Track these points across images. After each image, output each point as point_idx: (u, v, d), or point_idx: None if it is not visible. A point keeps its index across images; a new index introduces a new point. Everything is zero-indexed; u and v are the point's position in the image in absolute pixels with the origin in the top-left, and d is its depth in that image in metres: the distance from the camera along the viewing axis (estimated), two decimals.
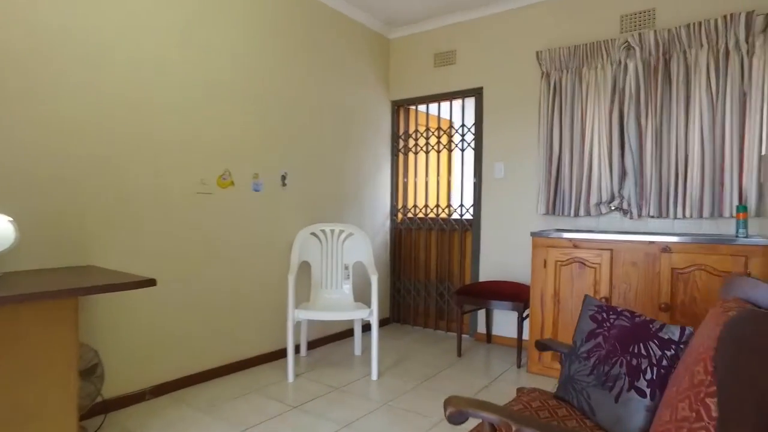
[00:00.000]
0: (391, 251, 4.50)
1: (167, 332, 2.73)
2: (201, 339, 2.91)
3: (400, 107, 4.49)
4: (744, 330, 0.99)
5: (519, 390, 1.92)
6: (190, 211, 2.82)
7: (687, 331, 1.51)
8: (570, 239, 3.01)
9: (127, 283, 1.89)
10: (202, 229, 2.88)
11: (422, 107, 4.53)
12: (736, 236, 2.69)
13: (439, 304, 4.25)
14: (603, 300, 2.89)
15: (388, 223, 4.47)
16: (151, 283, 1.95)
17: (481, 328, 3.97)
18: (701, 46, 2.97)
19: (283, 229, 3.43)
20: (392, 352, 3.63)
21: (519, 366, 3.29)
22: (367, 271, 3.66)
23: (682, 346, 1.50)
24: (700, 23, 2.97)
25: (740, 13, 2.85)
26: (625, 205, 3.22)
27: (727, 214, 2.87)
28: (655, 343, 1.54)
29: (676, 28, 3.04)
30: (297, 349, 3.54)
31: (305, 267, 3.55)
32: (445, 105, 4.35)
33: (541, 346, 1.99)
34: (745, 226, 2.70)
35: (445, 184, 4.29)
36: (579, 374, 1.70)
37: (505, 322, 3.84)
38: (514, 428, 1.20)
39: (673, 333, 1.52)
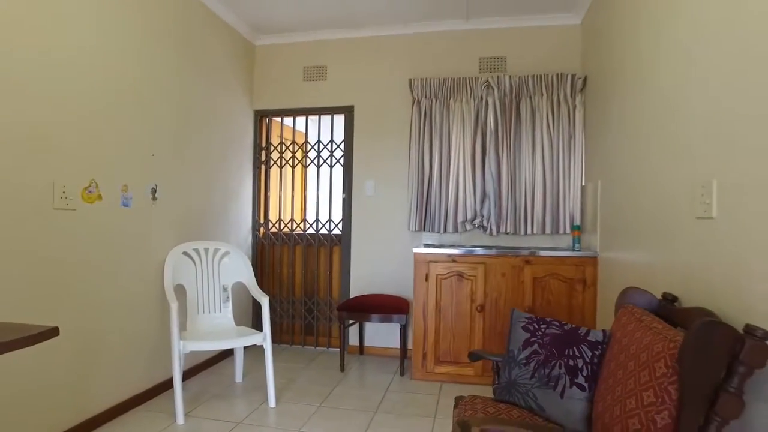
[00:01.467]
0: (253, 267, 4.26)
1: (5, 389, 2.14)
2: (60, 388, 2.35)
3: (263, 118, 4.32)
4: (698, 340, 1.32)
5: (458, 398, 2.10)
6: (45, 231, 2.27)
7: (606, 334, 1.89)
8: (449, 255, 3.36)
9: (29, 336, 1.47)
10: (59, 253, 2.34)
11: (288, 120, 4.44)
12: (573, 249, 3.37)
13: (307, 319, 4.21)
14: (478, 307, 3.30)
15: (250, 237, 4.24)
16: (54, 332, 1.55)
17: (353, 341, 4.07)
18: (542, 94, 3.64)
19: (154, 250, 2.99)
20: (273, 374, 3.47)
21: (402, 374, 3.50)
22: (248, 292, 3.43)
23: (605, 345, 1.87)
24: (540, 75, 3.63)
25: (568, 74, 3.59)
26: (485, 223, 3.71)
27: (563, 231, 3.57)
28: (585, 345, 1.88)
29: (523, 76, 3.67)
30: (170, 383, 3.12)
31: (179, 291, 3.15)
32: (313, 119, 4.34)
33: (474, 356, 2.20)
34: (579, 241, 3.41)
35: (313, 199, 4.28)
36: (521, 378, 1.95)
37: (378, 333, 4.02)
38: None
39: (598, 336, 1.89)
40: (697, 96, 1.74)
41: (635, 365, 1.55)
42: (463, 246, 3.63)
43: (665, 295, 1.91)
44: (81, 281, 2.46)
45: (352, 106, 4.10)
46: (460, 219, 3.74)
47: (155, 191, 3.00)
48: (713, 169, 1.61)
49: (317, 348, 4.19)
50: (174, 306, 2.71)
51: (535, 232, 3.61)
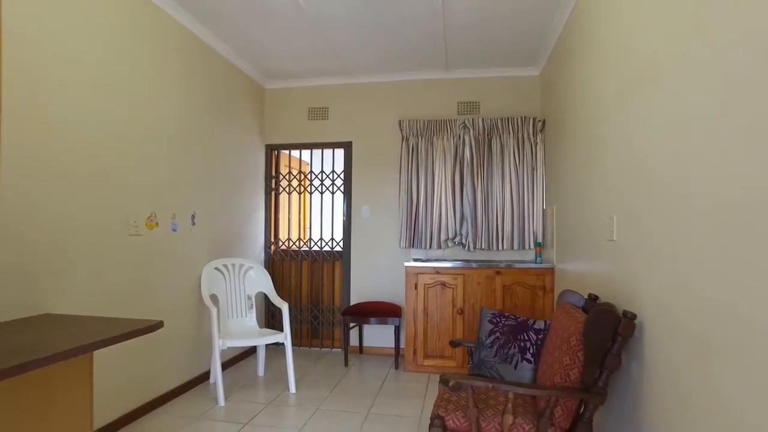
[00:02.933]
0: None
1: (103, 374, 2.79)
2: (129, 376, 3.00)
3: (273, 151, 5.03)
4: (593, 321, 2.04)
5: (442, 376, 2.80)
6: (124, 252, 2.93)
7: (547, 323, 2.62)
8: (434, 268, 4.08)
9: (141, 329, 2.13)
10: (132, 268, 3.01)
11: (295, 153, 5.16)
12: (536, 262, 4.12)
13: (313, 324, 4.89)
14: (458, 310, 4.02)
15: (263, 254, 4.92)
16: (159, 325, 2.22)
17: (354, 342, 4.76)
18: (509, 133, 4.41)
19: (193, 265, 3.66)
20: (286, 371, 4.13)
21: (396, 368, 4.19)
22: (263, 300, 4.10)
23: (546, 332, 2.59)
24: (508, 118, 4.41)
25: (530, 117, 4.37)
26: (464, 241, 4.45)
27: (527, 246, 4.32)
28: (532, 332, 2.60)
29: (493, 118, 4.44)
30: (207, 376, 3.77)
31: (213, 299, 3.82)
32: (317, 152, 5.06)
33: (455, 344, 2.91)
34: (541, 255, 4.17)
35: (317, 221, 4.98)
36: (487, 357, 2.67)
37: (375, 335, 4.71)
38: (491, 386, 2.07)
39: (541, 325, 2.62)
40: (610, 145, 2.48)
41: (560, 341, 2.27)
42: (445, 260, 4.35)
43: (590, 295, 2.64)
44: (147, 289, 3.12)
45: (351, 142, 4.83)
46: (443, 237, 4.47)
47: (194, 218, 3.68)
48: (615, 204, 2.36)
49: (322, 349, 4.86)
50: (214, 311, 3.38)
51: (505, 248, 4.36)
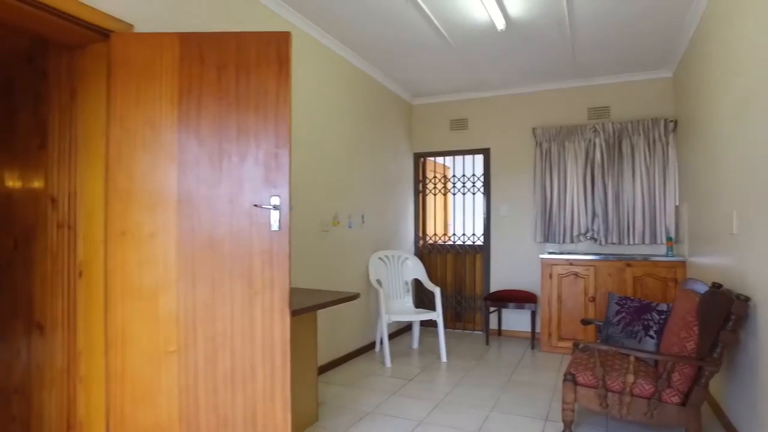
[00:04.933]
0: None
1: None
2: (324, 338, 4.01)
3: (420, 158, 5.86)
4: (706, 299, 2.46)
5: (575, 342, 3.33)
6: (318, 244, 3.95)
7: (669, 306, 3.03)
8: (567, 260, 4.55)
9: (346, 297, 3.01)
10: (323, 255, 4.02)
11: (439, 159, 5.95)
12: (667, 256, 4.37)
13: (456, 309, 5.63)
14: (590, 298, 4.45)
15: (413, 247, 5.79)
16: (357, 296, 3.11)
17: (493, 325, 5.39)
18: (640, 135, 4.68)
19: (362, 256, 4.62)
20: (435, 345, 4.92)
21: (533, 348, 4.75)
22: (421, 286, 4.93)
23: (668, 313, 3.00)
24: (638, 120, 4.69)
25: (661, 119, 4.60)
26: (595, 236, 4.83)
27: (659, 241, 4.57)
28: (655, 312, 3.03)
29: (623, 122, 4.74)
30: (372, 346, 4.73)
31: (377, 283, 4.75)
32: (458, 158, 5.80)
33: (586, 322, 3.43)
34: (672, 249, 4.41)
35: (459, 219, 5.71)
36: (614, 333, 3.15)
37: (513, 319, 5.30)
38: (614, 349, 2.60)
39: (663, 307, 3.03)
40: (733, 145, 2.80)
41: (678, 319, 2.71)
42: (577, 253, 4.78)
43: (714, 284, 2.98)
44: (333, 272, 4.13)
45: (489, 148, 5.47)
46: (575, 232, 4.90)
47: (363, 217, 4.64)
48: (736, 201, 2.70)
49: (464, 331, 5.58)
50: (381, 291, 4.29)
51: (635, 242, 4.65)
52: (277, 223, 2.23)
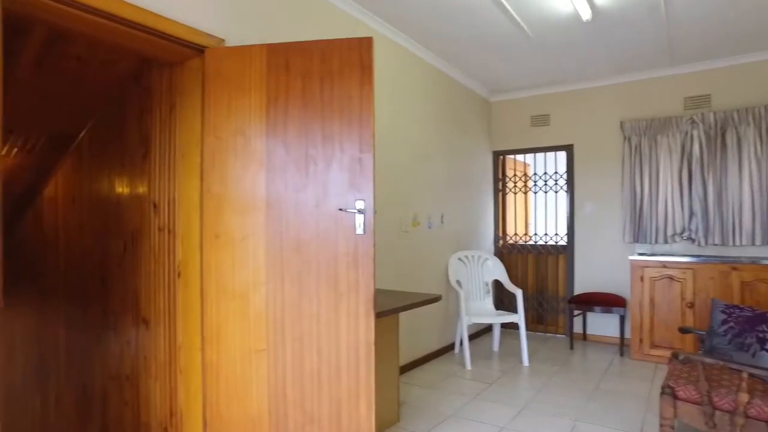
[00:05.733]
0: None
1: None
2: (404, 338, 4.02)
3: (499, 156, 5.71)
4: None
5: (674, 352, 3.09)
6: (398, 244, 3.96)
7: None
8: (661, 262, 4.24)
9: (428, 299, 3.00)
10: (404, 256, 4.03)
11: (519, 157, 5.77)
12: None
13: (538, 311, 5.43)
14: (688, 304, 4.11)
15: (492, 248, 5.66)
16: (438, 298, 3.08)
17: (576, 329, 5.15)
18: (749, 124, 4.25)
19: (441, 256, 4.59)
20: (516, 348, 4.77)
21: (622, 355, 4.48)
22: (501, 287, 4.82)
23: None
24: (747, 108, 4.25)
25: None
26: (693, 236, 4.46)
27: None
28: None
29: (727, 110, 4.32)
30: (451, 347, 4.68)
31: (457, 284, 4.69)
32: (539, 156, 5.59)
33: (684, 330, 3.17)
34: None
35: (541, 218, 5.50)
36: (720, 345, 2.89)
37: (599, 324, 5.03)
38: (721, 363, 2.38)
39: None
40: None
41: None
42: (672, 254, 4.44)
43: None
44: (412, 273, 4.13)
45: (572, 145, 5.21)
46: (669, 232, 4.55)
47: (442, 217, 4.60)
48: None
49: (546, 334, 5.37)
50: (461, 292, 4.23)
51: (743, 243, 4.23)
52: (362, 227, 2.26)
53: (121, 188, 2.92)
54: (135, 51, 2.42)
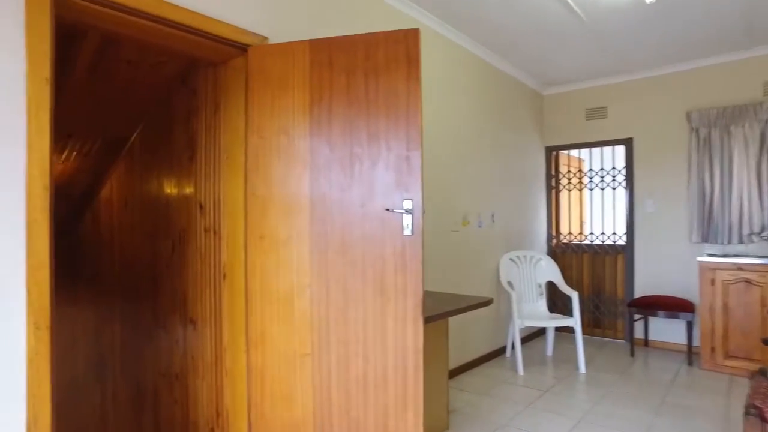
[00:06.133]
0: None
1: None
2: (453, 341, 3.88)
3: (552, 152, 5.45)
4: None
5: (761, 368, 2.80)
6: (447, 244, 3.82)
7: None
8: (735, 264, 3.88)
9: (479, 303, 2.86)
10: (453, 256, 3.88)
11: (574, 152, 5.48)
12: None
13: (595, 314, 5.14)
14: None
15: (545, 247, 5.41)
16: (490, 301, 2.93)
17: (638, 335, 4.83)
18: None
19: (491, 256, 4.41)
20: (572, 353, 4.53)
21: (690, 364, 4.15)
22: (554, 289, 4.59)
23: None
24: None
25: None
26: None
27: None
28: None
29: None
30: (502, 351, 4.50)
31: (509, 286, 4.50)
32: (595, 151, 5.28)
33: (766, 341, 2.87)
34: None
35: (597, 216, 5.21)
36: None
37: (663, 329, 4.70)
38: None
39: None
40: None
41: None
42: (749, 256, 4.06)
43: None
44: (462, 274, 3.98)
45: (632, 138, 4.89)
46: (745, 232, 4.17)
47: (493, 216, 4.42)
48: None
49: (604, 338, 5.08)
50: (513, 294, 4.04)
51: None
52: (410, 228, 2.15)
53: (170, 189, 2.95)
54: (181, 52, 2.42)
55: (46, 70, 1.74)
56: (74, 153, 3.54)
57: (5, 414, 1.64)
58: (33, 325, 1.69)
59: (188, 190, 2.78)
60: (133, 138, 3.34)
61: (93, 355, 3.79)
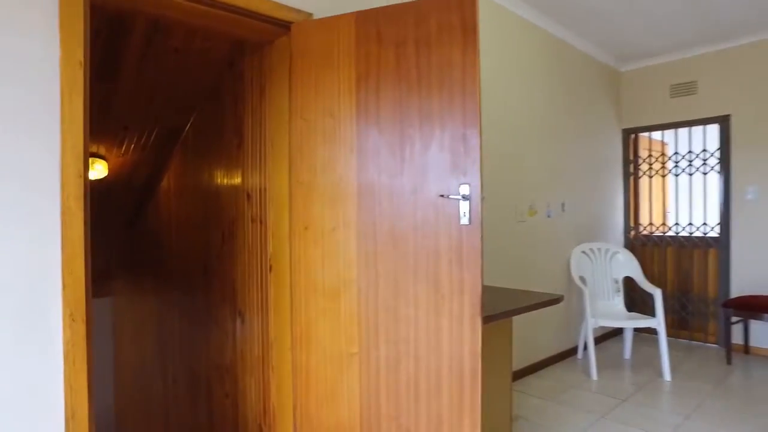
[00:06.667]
0: None
1: None
2: (518, 340, 3.58)
3: (630, 134, 4.94)
4: None
5: None
6: (512, 235, 3.52)
7: None
8: None
9: (548, 300, 2.55)
10: (519, 247, 3.58)
11: (655, 134, 4.94)
12: None
13: (681, 314, 4.62)
14: None
15: (622, 239, 4.93)
16: (560, 299, 2.62)
17: (735, 339, 4.27)
18: None
19: (561, 248, 4.04)
20: (653, 357, 4.07)
21: None
22: (633, 285, 4.15)
23: None
24: None
25: None
26: None
27: None
28: None
29: None
30: (572, 351, 4.13)
31: (581, 281, 4.12)
32: (681, 132, 4.72)
33: None
34: None
35: (684, 204, 4.66)
36: None
37: (765, 334, 4.12)
38: None
39: None
40: None
41: None
42: None
43: None
44: (529, 267, 3.67)
45: (728, 115, 4.30)
46: None
47: (564, 205, 4.04)
48: None
49: (692, 342, 4.55)
50: (586, 291, 3.67)
51: None
52: (467, 216, 1.91)
53: (220, 179, 2.88)
54: (225, 34, 2.31)
55: (79, 52, 1.66)
56: (132, 145, 3.58)
57: (43, 408, 1.59)
58: (69, 317, 1.63)
59: (237, 179, 2.69)
60: (186, 128, 3.32)
61: (156, 343, 3.86)
